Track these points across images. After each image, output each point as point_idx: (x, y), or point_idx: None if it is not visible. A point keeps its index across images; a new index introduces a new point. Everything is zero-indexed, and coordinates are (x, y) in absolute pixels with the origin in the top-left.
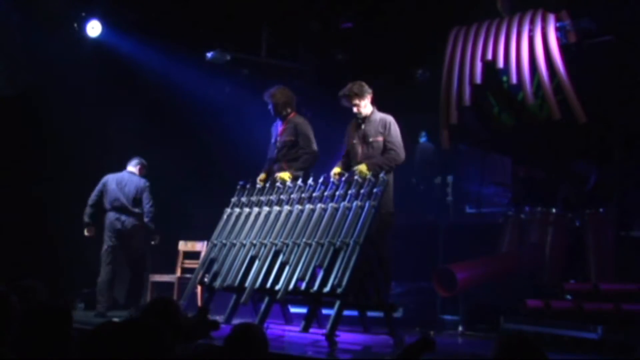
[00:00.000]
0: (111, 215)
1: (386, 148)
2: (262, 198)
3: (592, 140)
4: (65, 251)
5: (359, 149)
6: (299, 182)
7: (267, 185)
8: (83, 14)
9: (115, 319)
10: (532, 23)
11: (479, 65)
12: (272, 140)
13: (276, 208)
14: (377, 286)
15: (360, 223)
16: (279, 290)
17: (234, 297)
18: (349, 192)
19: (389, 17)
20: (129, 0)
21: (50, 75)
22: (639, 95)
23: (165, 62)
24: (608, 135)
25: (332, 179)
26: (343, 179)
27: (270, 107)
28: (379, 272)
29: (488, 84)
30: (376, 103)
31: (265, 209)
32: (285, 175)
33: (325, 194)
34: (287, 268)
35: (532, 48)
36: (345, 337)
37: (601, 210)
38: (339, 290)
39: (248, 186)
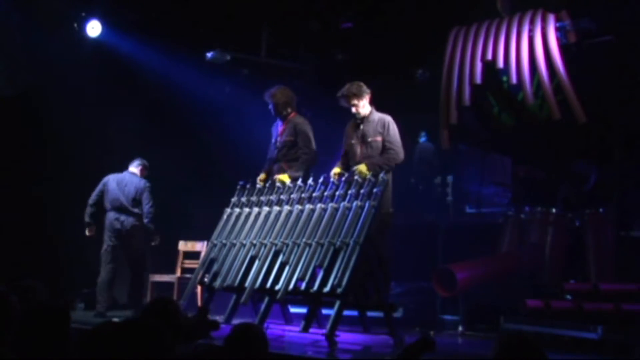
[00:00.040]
0: (111, 216)
1: (385, 148)
2: (262, 198)
3: (592, 140)
4: (65, 251)
5: (358, 149)
6: (299, 182)
7: (267, 185)
8: (83, 14)
9: (115, 319)
10: (532, 23)
11: (479, 65)
12: (273, 141)
13: (276, 208)
14: (377, 286)
15: (360, 223)
16: (279, 290)
17: (234, 297)
18: (349, 192)
19: (389, 17)
20: (129, 0)
21: (50, 75)
22: (639, 95)
23: (165, 62)
24: (608, 135)
25: (332, 179)
26: (343, 179)
27: (270, 107)
28: (378, 272)
29: (488, 84)
30: (376, 103)
31: (265, 209)
32: (284, 177)
33: (325, 194)
34: (287, 268)
35: (532, 48)
36: (345, 337)
37: (601, 210)
38: (338, 290)
39: (248, 186)
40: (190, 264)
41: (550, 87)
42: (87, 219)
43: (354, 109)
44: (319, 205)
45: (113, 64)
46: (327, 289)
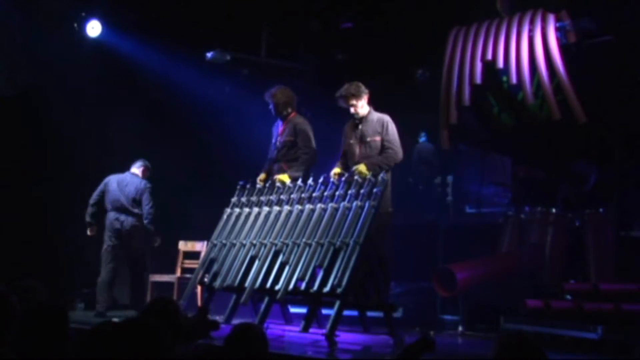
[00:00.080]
0: (111, 216)
1: (384, 147)
2: (262, 198)
3: (592, 140)
4: (65, 251)
5: (357, 149)
6: (299, 182)
7: (267, 185)
8: (83, 14)
9: (115, 319)
10: (532, 23)
11: (478, 65)
12: (273, 141)
13: (276, 208)
14: (377, 286)
15: (360, 223)
16: (279, 290)
17: (234, 297)
18: (349, 192)
19: (389, 17)
20: (129, 0)
21: (50, 75)
22: (639, 95)
23: (165, 62)
24: (608, 135)
25: (332, 179)
26: (343, 179)
27: (271, 107)
28: (378, 272)
29: (488, 84)
30: (376, 103)
31: (265, 209)
32: (284, 177)
33: (325, 194)
34: (287, 268)
35: (532, 48)
36: (345, 337)
37: (601, 210)
38: (338, 290)
39: (248, 186)
40: (190, 264)
41: (550, 87)
42: (88, 218)
43: (352, 109)
44: (319, 205)
45: (113, 64)
46: (327, 289)
